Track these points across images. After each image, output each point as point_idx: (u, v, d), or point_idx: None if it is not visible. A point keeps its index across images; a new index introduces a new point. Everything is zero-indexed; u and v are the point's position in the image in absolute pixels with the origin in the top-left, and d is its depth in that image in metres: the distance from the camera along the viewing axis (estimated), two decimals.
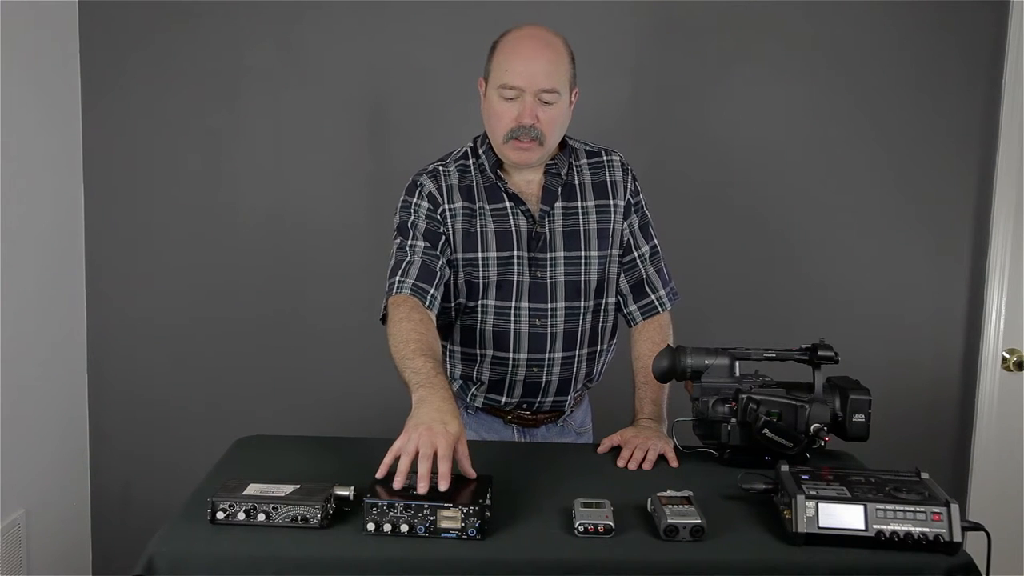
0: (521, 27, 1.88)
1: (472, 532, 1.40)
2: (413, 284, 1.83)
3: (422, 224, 1.90)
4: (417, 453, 1.44)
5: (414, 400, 1.57)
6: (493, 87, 1.85)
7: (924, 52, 2.74)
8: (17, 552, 2.48)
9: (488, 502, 1.43)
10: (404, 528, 1.40)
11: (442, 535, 1.40)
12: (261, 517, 1.42)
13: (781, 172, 2.78)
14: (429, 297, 1.84)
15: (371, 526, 1.40)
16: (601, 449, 1.84)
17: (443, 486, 1.42)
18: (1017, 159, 2.71)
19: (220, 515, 1.43)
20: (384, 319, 1.89)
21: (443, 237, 1.90)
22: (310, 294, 2.79)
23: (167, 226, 2.76)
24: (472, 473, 1.49)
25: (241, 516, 1.42)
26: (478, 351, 1.96)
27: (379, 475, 1.47)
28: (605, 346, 2.04)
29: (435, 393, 1.56)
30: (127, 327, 2.79)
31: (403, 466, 1.44)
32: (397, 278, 1.85)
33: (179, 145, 2.73)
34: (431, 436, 1.46)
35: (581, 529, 1.42)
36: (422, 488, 1.41)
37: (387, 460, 1.47)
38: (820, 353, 1.74)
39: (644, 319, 2.02)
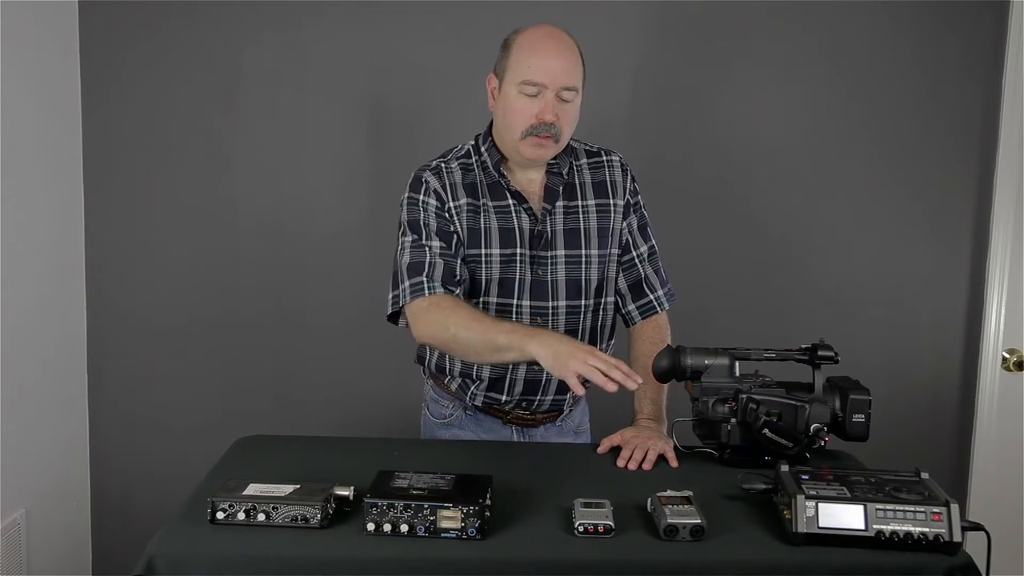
0: (537, 26, 1.89)
1: (472, 532, 1.40)
2: (443, 286, 1.85)
3: (434, 223, 1.90)
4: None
5: (535, 345, 1.67)
6: (512, 83, 1.85)
7: (924, 52, 2.74)
8: (17, 552, 2.48)
9: (488, 502, 1.44)
10: (404, 528, 1.40)
11: (442, 535, 1.40)
12: (261, 517, 1.42)
13: (781, 172, 2.78)
14: (459, 296, 1.87)
15: (371, 526, 1.40)
16: (601, 449, 1.84)
17: (633, 384, 1.61)
18: (1017, 159, 2.71)
19: (220, 515, 1.43)
20: (391, 317, 1.92)
21: (455, 236, 1.90)
22: (310, 294, 2.79)
23: (167, 226, 2.76)
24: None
25: (241, 516, 1.42)
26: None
27: (577, 389, 1.63)
28: (603, 346, 2.04)
29: (550, 333, 1.76)
30: (127, 327, 2.79)
31: (599, 378, 1.59)
32: (423, 279, 1.85)
33: (179, 145, 2.73)
34: (588, 351, 1.63)
35: (581, 529, 1.42)
36: (632, 383, 1.60)
37: (596, 377, 1.59)
38: (820, 353, 1.74)
39: (642, 319, 2.02)
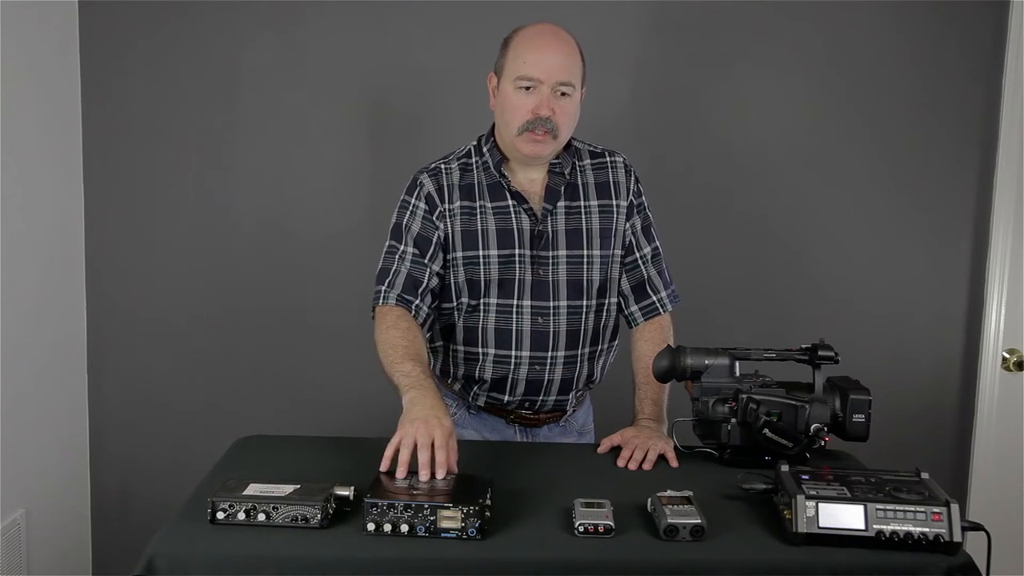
0: (535, 24, 1.91)
1: (472, 532, 1.40)
2: (398, 296, 1.90)
3: (416, 228, 1.92)
4: (416, 446, 1.52)
5: (405, 400, 1.66)
6: (508, 79, 1.87)
7: (924, 52, 2.74)
8: (17, 552, 2.48)
9: (488, 502, 1.44)
10: (404, 528, 1.40)
11: (442, 535, 1.40)
12: (261, 517, 1.42)
13: (781, 172, 2.78)
14: (414, 307, 1.90)
15: (371, 526, 1.40)
16: (601, 449, 1.84)
17: (442, 474, 1.50)
18: (1017, 159, 2.71)
19: (220, 515, 1.43)
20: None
21: (435, 242, 1.92)
22: (310, 294, 2.79)
23: (167, 226, 2.76)
24: (455, 469, 1.54)
25: (241, 516, 1.42)
26: (480, 349, 1.96)
27: (382, 468, 1.52)
28: (606, 346, 2.04)
29: (426, 394, 1.65)
30: (127, 327, 2.79)
31: (404, 457, 1.51)
32: (383, 288, 1.91)
33: (179, 145, 2.73)
34: (427, 428, 1.54)
35: (581, 529, 1.42)
36: (424, 476, 1.49)
37: (388, 453, 1.54)
38: (820, 353, 1.74)
39: (645, 320, 2.02)
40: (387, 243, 1.96)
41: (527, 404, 2.01)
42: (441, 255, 1.93)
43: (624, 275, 2.02)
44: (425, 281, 1.91)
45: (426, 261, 1.91)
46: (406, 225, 1.93)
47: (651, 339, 2.00)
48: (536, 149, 1.88)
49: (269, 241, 2.77)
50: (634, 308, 2.02)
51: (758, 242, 2.79)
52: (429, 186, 1.94)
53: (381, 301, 1.90)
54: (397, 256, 1.93)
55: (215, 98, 2.72)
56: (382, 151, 2.75)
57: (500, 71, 1.90)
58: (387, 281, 1.91)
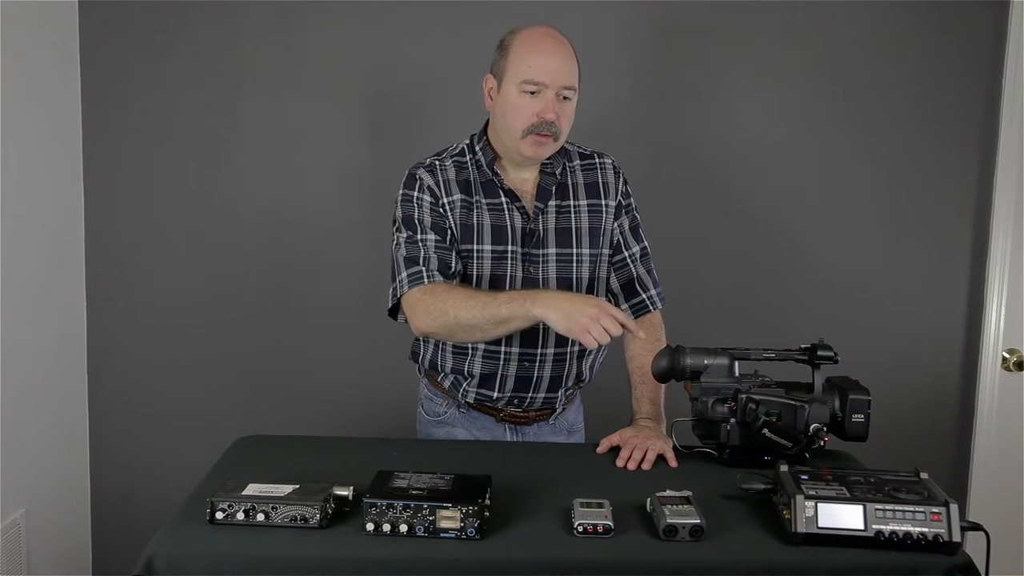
0: (533, 26, 1.91)
1: (471, 532, 1.40)
2: (440, 276, 1.87)
3: (428, 218, 1.92)
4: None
5: (540, 308, 1.73)
6: (512, 83, 1.87)
7: (924, 52, 2.74)
8: (17, 552, 2.49)
9: (487, 502, 1.44)
10: (403, 528, 1.40)
11: (441, 535, 1.40)
12: (260, 517, 1.42)
13: (780, 172, 2.78)
14: None
15: (370, 526, 1.40)
16: (600, 449, 1.84)
17: (621, 330, 1.69)
18: (1017, 159, 2.71)
19: (219, 515, 1.43)
20: (391, 312, 1.94)
21: (449, 230, 1.92)
22: (310, 294, 2.79)
23: (167, 226, 2.76)
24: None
25: (240, 516, 1.42)
26: (470, 344, 1.96)
27: (592, 345, 1.69)
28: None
29: (543, 292, 1.83)
30: (127, 327, 2.79)
31: (610, 329, 1.68)
32: (421, 268, 1.87)
33: (179, 145, 2.73)
34: (588, 304, 1.71)
35: (581, 529, 1.42)
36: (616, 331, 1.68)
37: (590, 334, 1.66)
38: (820, 353, 1.74)
39: (636, 318, 2.02)
40: (403, 234, 1.92)
41: (516, 401, 2.01)
42: (456, 243, 1.92)
43: (613, 273, 2.03)
44: (453, 265, 1.90)
45: (448, 246, 1.91)
46: (417, 217, 1.92)
47: (644, 338, 1.99)
48: (538, 151, 1.89)
49: (269, 241, 2.77)
50: (624, 306, 2.03)
51: (758, 242, 2.79)
52: (428, 180, 1.94)
53: (424, 279, 1.85)
54: (419, 243, 1.90)
55: (215, 98, 2.72)
56: (382, 151, 2.75)
57: (501, 74, 1.90)
58: (421, 263, 1.87)
